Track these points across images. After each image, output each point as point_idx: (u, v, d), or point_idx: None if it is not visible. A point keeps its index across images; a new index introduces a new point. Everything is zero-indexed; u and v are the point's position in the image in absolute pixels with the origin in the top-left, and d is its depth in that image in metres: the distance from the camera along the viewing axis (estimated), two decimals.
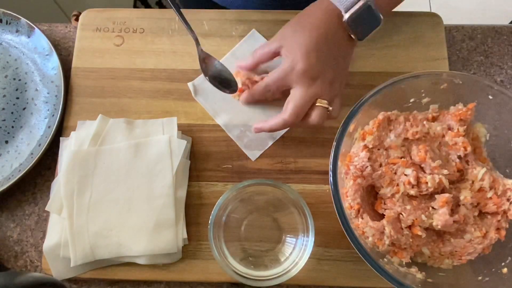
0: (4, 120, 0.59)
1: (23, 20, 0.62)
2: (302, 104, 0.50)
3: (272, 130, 0.54)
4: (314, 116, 0.51)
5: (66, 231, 0.51)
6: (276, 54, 0.54)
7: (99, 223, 0.51)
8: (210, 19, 0.62)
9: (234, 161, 0.56)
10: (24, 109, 0.60)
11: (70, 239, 0.50)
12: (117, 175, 0.53)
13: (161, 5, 1.22)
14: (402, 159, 0.49)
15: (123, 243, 0.51)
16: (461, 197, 0.47)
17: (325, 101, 0.51)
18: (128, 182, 0.53)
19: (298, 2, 0.62)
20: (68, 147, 0.55)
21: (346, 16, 0.50)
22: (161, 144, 0.54)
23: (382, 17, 0.50)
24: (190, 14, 0.62)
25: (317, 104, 0.51)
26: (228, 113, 0.58)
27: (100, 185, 0.52)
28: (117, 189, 0.52)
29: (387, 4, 0.53)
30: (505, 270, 0.46)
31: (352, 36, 0.51)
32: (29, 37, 0.62)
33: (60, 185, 0.53)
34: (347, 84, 0.58)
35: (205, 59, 0.55)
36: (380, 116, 0.50)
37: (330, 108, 0.51)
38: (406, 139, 0.50)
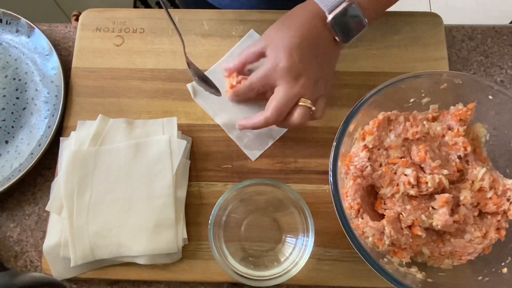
0: (4, 120, 0.59)
1: (23, 20, 0.62)
2: (285, 102, 0.50)
3: (254, 128, 0.54)
4: (297, 115, 0.51)
5: (66, 231, 0.51)
6: (261, 54, 0.54)
7: (99, 223, 0.51)
8: (210, 19, 0.62)
9: (234, 161, 0.56)
10: (24, 109, 0.60)
11: (70, 239, 0.50)
12: (117, 175, 0.53)
13: (161, 5, 1.22)
14: (402, 159, 0.49)
15: (123, 243, 0.51)
16: (461, 197, 0.47)
17: (309, 101, 0.51)
18: (128, 182, 0.53)
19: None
20: (68, 147, 0.55)
21: (329, 17, 0.50)
22: (161, 144, 0.54)
23: (366, 20, 0.51)
24: (190, 14, 0.62)
25: (300, 104, 0.51)
26: (228, 114, 0.58)
27: (100, 185, 0.52)
28: (117, 189, 0.52)
29: (373, 7, 0.53)
30: (505, 270, 0.46)
31: (336, 38, 0.51)
32: (29, 37, 0.62)
33: (60, 185, 0.53)
34: (346, 85, 0.58)
35: (189, 64, 0.56)
36: (380, 116, 0.50)
37: (313, 108, 0.51)
38: (406, 139, 0.50)
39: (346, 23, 0.50)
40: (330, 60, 0.54)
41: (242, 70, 0.57)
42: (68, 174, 0.52)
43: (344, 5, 0.50)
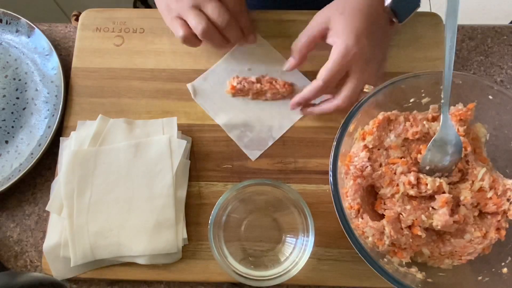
0: (4, 120, 0.59)
1: (23, 20, 0.62)
2: (357, 89, 0.50)
3: (321, 113, 0.54)
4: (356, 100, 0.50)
5: (66, 231, 0.51)
6: (321, 37, 0.52)
7: (99, 223, 0.51)
8: None
9: (234, 161, 0.56)
10: (24, 109, 0.60)
11: (70, 239, 0.50)
12: (117, 175, 0.53)
13: None
14: (402, 159, 0.49)
15: (123, 243, 0.51)
16: (461, 197, 0.47)
17: (372, 86, 0.51)
18: (128, 182, 0.53)
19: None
20: (68, 147, 0.55)
21: (388, 0, 0.50)
22: (161, 144, 0.54)
23: None
24: None
25: (364, 90, 0.51)
26: (228, 113, 0.58)
27: (100, 185, 0.52)
28: (117, 189, 0.52)
29: None
30: (505, 270, 0.46)
31: (393, 19, 0.51)
32: (29, 37, 0.62)
33: (60, 185, 0.53)
34: None
35: None
36: (380, 116, 0.50)
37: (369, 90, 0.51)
38: (406, 139, 0.50)
39: (404, 4, 0.50)
40: (388, 42, 0.54)
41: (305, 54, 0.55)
42: (68, 174, 0.52)
43: None
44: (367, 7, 0.50)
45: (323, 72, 0.50)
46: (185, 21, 0.52)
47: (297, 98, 0.55)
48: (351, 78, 0.50)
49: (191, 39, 0.53)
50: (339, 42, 0.49)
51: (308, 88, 0.53)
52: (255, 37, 0.58)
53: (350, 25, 0.49)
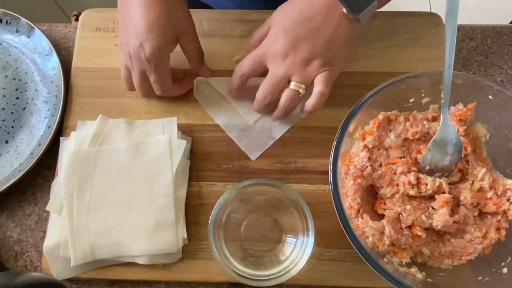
0: (4, 120, 0.59)
1: (23, 20, 0.62)
2: (270, 86, 0.49)
3: (257, 109, 0.54)
4: (282, 99, 0.50)
5: (66, 231, 0.51)
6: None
7: (99, 223, 0.51)
8: (210, 19, 0.62)
9: (234, 161, 0.56)
10: (24, 109, 0.60)
11: (70, 239, 0.50)
12: (117, 175, 0.53)
13: None
14: (402, 159, 0.49)
15: (123, 243, 0.51)
16: (461, 197, 0.47)
17: (298, 84, 0.48)
18: (128, 182, 0.53)
19: None
20: (68, 147, 0.55)
21: None
22: (161, 144, 0.54)
23: None
24: None
25: (289, 86, 0.49)
26: (228, 114, 0.58)
27: (100, 185, 0.52)
28: (117, 189, 0.52)
29: None
30: (505, 270, 0.46)
31: (344, 11, 0.47)
32: (29, 37, 0.62)
33: (60, 185, 0.53)
34: (346, 85, 0.58)
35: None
36: (380, 116, 0.50)
37: (301, 91, 0.49)
38: (406, 139, 0.50)
39: None
40: (334, 37, 0.48)
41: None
42: (68, 174, 0.52)
43: None
44: (311, 2, 0.49)
45: (239, 65, 0.52)
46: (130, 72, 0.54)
47: (229, 89, 0.55)
48: (269, 74, 0.50)
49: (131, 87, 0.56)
50: (268, 36, 0.51)
51: (233, 78, 0.53)
52: (207, 71, 0.57)
53: (280, 18, 0.50)
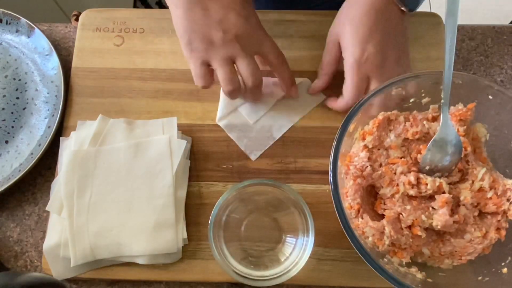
0: (4, 120, 0.59)
1: (23, 20, 0.62)
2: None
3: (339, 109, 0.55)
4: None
5: (66, 231, 0.51)
6: (339, 53, 0.52)
7: (99, 223, 0.51)
8: None
9: (234, 161, 0.56)
10: (24, 109, 0.60)
11: (70, 239, 0.50)
12: (117, 175, 0.53)
13: (161, 5, 1.22)
14: (402, 159, 0.49)
15: (123, 243, 0.51)
16: (461, 197, 0.47)
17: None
18: (128, 182, 0.53)
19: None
20: (68, 147, 0.55)
21: None
22: (161, 144, 0.54)
23: None
24: None
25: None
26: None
27: (100, 185, 0.52)
28: (117, 189, 0.52)
29: None
30: (505, 270, 0.46)
31: (402, 8, 0.50)
32: (29, 37, 0.62)
33: (60, 185, 0.53)
34: None
35: None
36: (380, 116, 0.50)
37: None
38: (406, 139, 0.50)
39: None
40: (403, 34, 0.52)
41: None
42: (68, 174, 0.52)
43: None
44: (369, 7, 0.49)
45: (347, 94, 0.52)
46: (211, 69, 0.50)
47: (334, 105, 0.55)
48: (372, 85, 0.51)
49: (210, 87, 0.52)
50: (347, 57, 0.50)
51: (340, 106, 0.54)
52: (296, 90, 0.56)
53: (354, 34, 0.49)
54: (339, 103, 0.54)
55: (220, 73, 0.49)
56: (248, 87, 0.51)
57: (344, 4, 0.53)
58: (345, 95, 0.52)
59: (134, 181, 0.53)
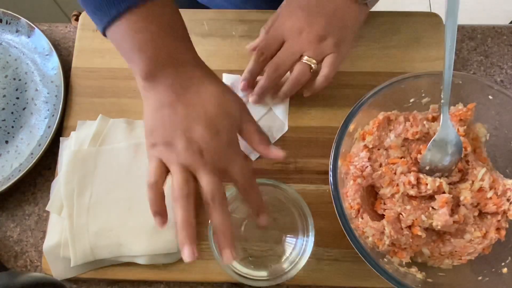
0: (4, 120, 0.59)
1: (23, 20, 0.62)
2: (283, 58, 0.50)
3: (262, 90, 0.54)
4: (294, 72, 0.51)
5: (66, 231, 0.51)
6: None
7: (99, 223, 0.51)
8: (210, 19, 0.62)
9: None
10: (24, 109, 0.60)
11: (70, 239, 0.50)
12: (117, 175, 0.53)
13: None
14: (402, 159, 0.49)
15: (123, 243, 0.51)
16: (461, 197, 0.47)
17: (310, 58, 0.50)
18: (129, 182, 0.53)
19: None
20: (68, 147, 0.55)
21: None
22: None
23: None
24: (190, 14, 0.62)
25: (301, 60, 0.50)
26: None
27: (100, 185, 0.52)
28: (117, 189, 0.52)
29: None
30: (505, 270, 0.46)
31: None
32: (29, 37, 0.62)
33: (60, 185, 0.53)
34: (346, 85, 0.58)
35: None
36: (380, 116, 0.50)
37: (313, 67, 0.50)
38: (406, 139, 0.50)
39: None
40: (347, 19, 0.51)
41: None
42: (68, 174, 0.52)
43: None
44: None
45: (258, 41, 0.54)
46: (167, 170, 0.43)
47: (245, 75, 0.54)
48: (284, 46, 0.51)
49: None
50: (281, 15, 0.52)
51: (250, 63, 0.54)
52: (266, 219, 0.46)
53: (300, 10, 0.51)
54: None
55: (174, 178, 0.42)
56: (207, 203, 0.42)
57: None
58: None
59: (134, 181, 0.53)
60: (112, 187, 0.52)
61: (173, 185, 0.41)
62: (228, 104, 0.44)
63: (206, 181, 0.41)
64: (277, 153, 0.45)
